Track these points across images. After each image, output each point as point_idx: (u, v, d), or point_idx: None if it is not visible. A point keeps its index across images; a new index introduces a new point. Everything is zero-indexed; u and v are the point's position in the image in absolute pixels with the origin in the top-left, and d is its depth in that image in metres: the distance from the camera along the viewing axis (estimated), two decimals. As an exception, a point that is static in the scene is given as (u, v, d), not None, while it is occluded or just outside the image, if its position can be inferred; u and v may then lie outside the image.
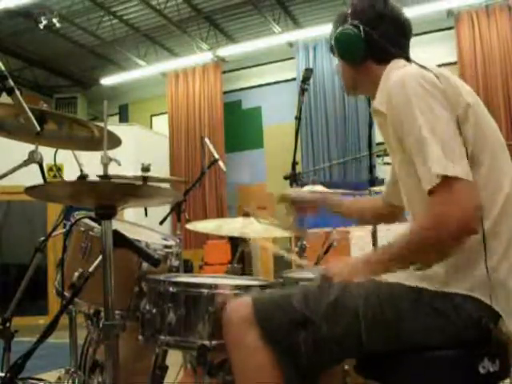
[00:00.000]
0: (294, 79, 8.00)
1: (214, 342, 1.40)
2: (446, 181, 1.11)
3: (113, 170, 1.85)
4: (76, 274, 1.58)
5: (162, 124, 9.10)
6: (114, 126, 6.88)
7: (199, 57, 8.41)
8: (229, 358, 1.30)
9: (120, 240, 1.45)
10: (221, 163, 3.29)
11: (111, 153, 1.87)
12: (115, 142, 1.90)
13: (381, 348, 1.21)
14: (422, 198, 1.18)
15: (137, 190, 1.52)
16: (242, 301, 1.30)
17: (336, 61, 1.53)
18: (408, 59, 1.35)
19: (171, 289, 1.48)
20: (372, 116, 1.41)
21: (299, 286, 1.32)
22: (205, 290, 1.45)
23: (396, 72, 1.28)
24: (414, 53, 1.38)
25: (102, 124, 1.74)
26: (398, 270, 1.25)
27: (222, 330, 1.31)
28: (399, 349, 1.19)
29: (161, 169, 7.99)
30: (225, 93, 8.68)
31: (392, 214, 1.68)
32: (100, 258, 1.44)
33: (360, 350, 1.23)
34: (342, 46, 1.41)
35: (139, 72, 8.66)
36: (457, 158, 1.13)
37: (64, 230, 1.80)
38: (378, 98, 1.35)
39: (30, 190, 1.33)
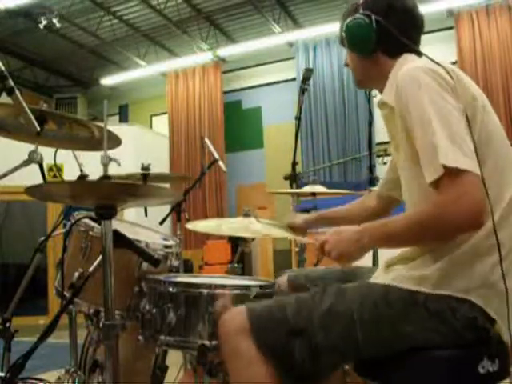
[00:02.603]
0: (294, 79, 8.00)
1: (213, 342, 1.40)
2: (455, 172, 1.08)
3: (113, 170, 1.86)
4: (76, 274, 1.58)
5: (162, 124, 9.10)
6: (114, 126, 6.86)
7: (199, 57, 8.41)
8: (226, 368, 1.29)
9: (120, 240, 1.45)
10: (221, 163, 3.29)
11: (111, 153, 1.88)
12: (115, 141, 1.90)
13: (378, 352, 1.21)
14: (424, 194, 1.17)
15: (137, 189, 1.51)
16: (237, 311, 1.28)
17: (341, 58, 1.52)
18: (419, 54, 1.34)
19: (171, 289, 1.48)
20: (378, 108, 1.39)
21: (293, 295, 1.30)
22: (205, 290, 1.45)
23: (406, 66, 1.27)
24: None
25: (102, 124, 1.74)
26: (390, 248, 1.25)
27: (218, 340, 1.30)
28: (396, 352, 1.19)
29: (161, 169, 7.99)
30: (225, 93, 8.68)
31: (384, 207, 1.69)
32: (100, 258, 1.44)
33: (357, 355, 1.23)
34: (352, 36, 1.38)
35: (139, 72, 8.67)
36: (467, 151, 1.10)
37: (64, 230, 1.80)
38: (387, 91, 1.34)
39: (30, 189, 1.33)
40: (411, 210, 1.35)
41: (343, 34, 1.41)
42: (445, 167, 1.09)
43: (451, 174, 1.09)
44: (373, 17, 1.33)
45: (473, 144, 1.13)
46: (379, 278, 1.32)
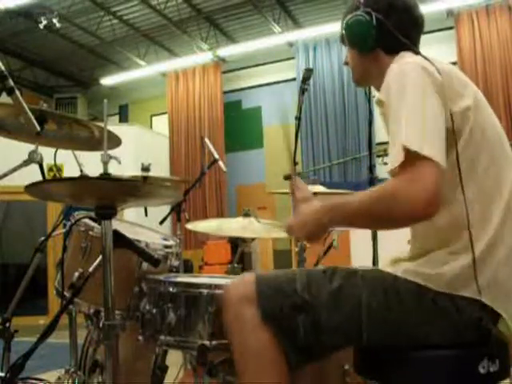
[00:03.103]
0: (294, 79, 8.00)
1: (213, 342, 1.40)
2: (417, 158, 1.07)
3: (113, 170, 1.85)
4: (76, 273, 1.59)
5: (162, 124, 9.10)
6: (114, 126, 6.87)
7: (199, 57, 8.41)
8: (228, 337, 1.28)
9: (120, 240, 1.45)
10: (221, 163, 3.29)
11: (111, 153, 1.88)
12: (115, 141, 1.90)
13: (380, 340, 1.21)
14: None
15: (137, 189, 1.51)
16: (245, 278, 1.29)
17: (341, 58, 1.52)
18: (417, 52, 1.34)
19: (171, 289, 1.48)
20: (375, 106, 1.39)
21: (304, 270, 1.31)
22: (205, 290, 1.46)
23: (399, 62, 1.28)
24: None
25: (102, 124, 1.74)
26: (347, 227, 1.26)
27: (222, 307, 1.30)
28: (398, 343, 1.19)
29: (161, 169, 8.00)
30: (225, 93, 8.68)
31: None
32: (100, 257, 1.44)
33: (358, 340, 1.22)
34: (353, 33, 1.39)
35: (139, 72, 8.67)
36: (435, 143, 1.09)
37: (64, 230, 1.80)
38: (383, 88, 1.34)
39: (30, 187, 1.33)
40: None
41: (344, 31, 1.42)
42: (407, 151, 1.08)
43: (412, 158, 1.07)
44: (373, 14, 1.34)
45: (454, 148, 1.14)
46: (387, 269, 1.31)
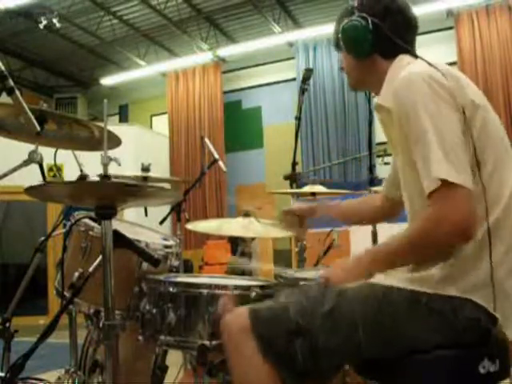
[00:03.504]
0: (294, 79, 8.00)
1: (213, 342, 1.40)
2: (447, 185, 1.12)
3: (113, 170, 1.85)
4: (76, 273, 1.58)
5: (162, 124, 9.10)
6: (114, 126, 6.88)
7: (199, 57, 8.41)
8: (229, 367, 1.29)
9: (120, 240, 1.45)
10: (221, 163, 3.29)
11: (111, 153, 1.87)
12: (115, 142, 1.90)
13: (380, 353, 1.21)
14: (423, 199, 1.18)
15: (137, 189, 1.51)
16: (239, 312, 1.28)
17: (337, 58, 1.52)
18: (414, 55, 1.34)
19: (171, 289, 1.48)
20: (375, 112, 1.39)
21: (296, 295, 1.30)
22: (205, 290, 1.45)
23: (403, 70, 1.28)
24: (414, 53, 1.37)
25: (102, 124, 1.74)
26: (391, 270, 1.25)
27: (222, 340, 1.30)
28: (398, 353, 1.19)
29: (161, 169, 8.00)
30: (225, 93, 8.68)
31: (392, 209, 1.66)
32: (100, 257, 1.44)
33: (359, 357, 1.22)
34: (348, 38, 1.38)
35: (139, 72, 8.67)
36: (460, 165, 1.13)
37: (64, 230, 1.80)
38: (383, 94, 1.34)
39: (30, 190, 1.33)
40: (411, 209, 1.35)
41: (339, 36, 1.41)
42: (437, 180, 1.12)
43: (443, 186, 1.12)
44: (369, 19, 1.34)
45: (470, 152, 1.16)
46: (379, 280, 1.31)
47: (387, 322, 1.19)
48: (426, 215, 1.17)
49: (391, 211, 1.68)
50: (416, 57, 1.34)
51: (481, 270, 1.16)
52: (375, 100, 1.41)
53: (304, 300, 1.26)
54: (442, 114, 1.16)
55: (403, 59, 1.34)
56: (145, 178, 2.66)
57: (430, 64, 1.24)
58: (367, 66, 1.40)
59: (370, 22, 1.33)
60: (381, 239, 2.84)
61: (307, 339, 1.20)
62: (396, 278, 1.24)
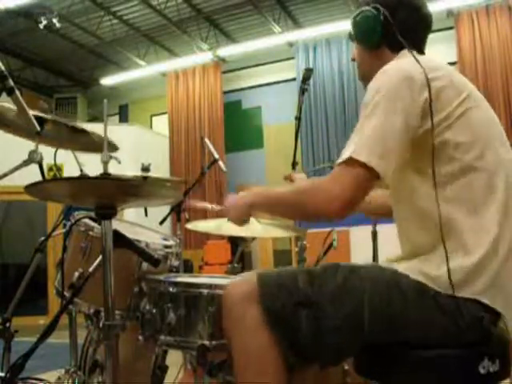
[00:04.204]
0: (294, 79, 8.00)
1: (213, 342, 1.40)
2: (350, 162, 1.16)
3: (113, 170, 1.85)
4: (76, 273, 1.58)
5: (162, 124, 9.10)
6: (114, 126, 6.90)
7: (199, 57, 8.41)
8: (227, 337, 1.28)
9: (120, 240, 1.45)
10: (221, 163, 3.29)
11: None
12: (111, 147, 1.89)
13: (380, 336, 1.20)
14: (407, 197, 1.19)
15: (137, 189, 1.51)
16: (247, 277, 1.28)
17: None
18: (421, 51, 1.35)
19: (171, 289, 1.48)
20: None
21: (306, 267, 1.32)
22: (205, 290, 1.45)
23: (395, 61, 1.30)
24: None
25: (102, 124, 1.74)
26: (268, 214, 1.37)
27: (222, 307, 1.29)
28: (399, 340, 1.19)
29: (161, 169, 8.00)
30: (225, 93, 8.68)
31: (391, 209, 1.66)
32: (100, 258, 1.44)
33: (361, 338, 1.21)
34: (359, 28, 1.40)
35: (139, 72, 8.67)
36: (377, 151, 1.16)
37: (64, 230, 1.80)
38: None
39: (29, 187, 1.32)
40: (395, 205, 1.36)
41: (352, 26, 1.42)
42: (349, 158, 1.16)
43: (348, 162, 1.16)
44: (381, 10, 1.34)
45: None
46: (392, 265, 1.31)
47: (393, 306, 1.18)
48: (318, 181, 1.26)
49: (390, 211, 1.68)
50: (421, 52, 1.34)
51: (490, 272, 1.16)
52: None
53: (314, 270, 1.26)
54: (394, 115, 1.18)
55: (405, 53, 1.34)
56: (145, 178, 2.65)
57: (417, 61, 1.24)
58: (375, 58, 1.41)
59: (381, 12, 1.34)
60: (381, 239, 2.84)
61: (313, 311, 1.20)
62: (405, 266, 1.23)
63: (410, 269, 1.22)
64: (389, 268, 1.25)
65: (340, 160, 1.18)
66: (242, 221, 1.42)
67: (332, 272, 1.24)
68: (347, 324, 1.20)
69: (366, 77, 1.50)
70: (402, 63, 1.27)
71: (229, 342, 1.27)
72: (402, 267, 1.23)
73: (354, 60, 1.51)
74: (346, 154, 1.18)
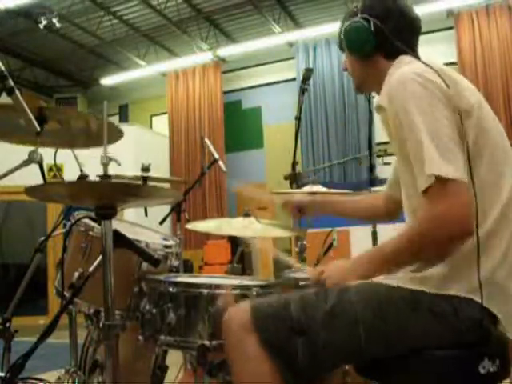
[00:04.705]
0: (294, 79, 8.00)
1: (213, 342, 1.40)
2: (441, 182, 1.11)
3: (113, 170, 1.85)
4: (76, 273, 1.58)
5: (162, 124, 9.11)
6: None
7: (199, 57, 8.42)
8: (229, 362, 1.29)
9: (120, 240, 1.45)
10: (221, 163, 3.29)
11: (111, 152, 1.87)
12: (116, 135, 1.86)
13: (380, 353, 1.21)
14: (420, 195, 1.17)
15: (137, 189, 1.51)
16: (241, 307, 1.29)
17: (341, 58, 1.53)
18: (416, 56, 1.35)
19: (171, 289, 1.48)
20: (376, 112, 1.39)
21: (297, 292, 1.30)
22: (205, 290, 1.45)
23: (399, 69, 1.29)
24: (414, 53, 1.37)
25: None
26: (390, 272, 1.25)
27: (222, 336, 1.30)
28: (398, 353, 1.19)
29: (161, 169, 8.00)
30: (225, 93, 8.69)
31: (395, 209, 1.65)
32: (100, 257, 1.44)
33: (359, 356, 1.22)
34: (351, 39, 1.40)
35: (139, 72, 8.67)
36: (454, 160, 1.13)
37: (64, 230, 1.80)
38: (381, 95, 1.34)
39: (30, 190, 1.33)
40: (408, 205, 1.35)
41: (342, 37, 1.43)
42: (430, 176, 1.12)
43: (438, 183, 1.11)
44: (371, 20, 1.35)
45: (464, 149, 1.15)
46: (380, 281, 1.31)
47: (388, 322, 1.18)
48: (424, 214, 1.16)
49: (392, 212, 1.68)
50: (417, 57, 1.34)
51: (482, 270, 1.15)
52: (375, 100, 1.41)
53: (306, 296, 1.27)
54: (435, 112, 1.16)
55: (404, 59, 1.35)
56: (145, 178, 2.65)
57: (425, 64, 1.25)
58: (370, 67, 1.42)
59: (372, 23, 1.35)
60: (381, 239, 2.84)
61: (308, 337, 1.20)
62: (396, 278, 1.24)
63: (402, 279, 1.23)
64: (379, 283, 1.25)
65: (426, 185, 1.13)
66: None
67: (323, 297, 1.24)
68: (344, 345, 1.20)
69: (362, 86, 1.51)
70: (414, 69, 1.26)
71: (230, 367, 1.28)
72: (393, 279, 1.24)
73: (345, 70, 1.52)
74: (425, 175, 1.13)
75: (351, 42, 1.41)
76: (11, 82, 1.41)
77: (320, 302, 1.23)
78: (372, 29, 1.35)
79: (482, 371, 1.14)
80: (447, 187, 1.11)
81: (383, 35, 1.34)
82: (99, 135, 1.76)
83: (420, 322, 1.17)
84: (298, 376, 1.22)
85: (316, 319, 1.21)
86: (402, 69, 1.28)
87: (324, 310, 1.21)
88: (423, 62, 1.27)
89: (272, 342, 1.21)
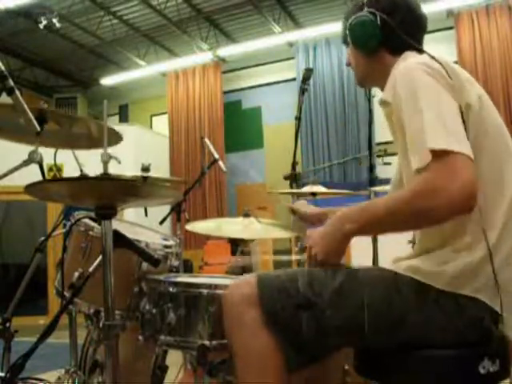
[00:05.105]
0: (294, 79, 7.99)
1: (214, 342, 1.40)
2: (446, 154, 1.05)
3: (113, 170, 1.85)
4: (76, 273, 1.58)
5: (162, 124, 9.10)
6: (114, 126, 6.88)
7: (199, 57, 8.41)
8: (228, 338, 1.27)
9: (120, 240, 1.45)
10: (221, 163, 3.29)
11: (111, 151, 1.87)
12: (116, 138, 1.88)
13: (381, 338, 1.20)
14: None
15: (137, 189, 1.51)
16: (246, 279, 1.27)
17: (341, 58, 1.52)
18: (421, 51, 1.34)
19: (171, 289, 1.48)
20: (380, 106, 1.38)
21: (305, 269, 1.30)
22: (205, 290, 1.46)
23: (404, 61, 1.28)
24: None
25: (101, 123, 1.73)
26: (375, 234, 1.24)
27: (223, 308, 1.28)
28: (400, 342, 1.19)
29: (161, 169, 8.00)
30: (225, 93, 8.68)
31: None
32: (100, 257, 1.44)
33: (361, 339, 1.22)
34: (357, 33, 1.38)
35: (139, 72, 8.66)
36: (460, 137, 1.08)
37: (64, 230, 1.80)
38: (387, 89, 1.33)
39: (29, 187, 1.32)
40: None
41: (347, 31, 1.41)
42: (434, 151, 1.07)
43: (441, 156, 1.06)
44: (378, 14, 1.34)
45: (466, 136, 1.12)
46: (390, 266, 1.30)
47: (393, 308, 1.18)
48: (426, 177, 1.08)
49: None
50: (422, 52, 1.34)
51: (488, 271, 1.15)
52: (375, 100, 1.41)
53: (314, 274, 1.25)
54: (441, 98, 1.14)
55: (409, 55, 1.34)
56: (145, 178, 2.66)
57: (432, 57, 1.24)
58: (374, 62, 1.41)
59: (378, 17, 1.33)
60: (381, 239, 2.83)
61: (314, 312, 1.19)
62: (406, 266, 1.23)
63: (410, 268, 1.22)
64: (388, 269, 1.25)
65: (426, 159, 1.07)
66: (337, 253, 1.27)
67: (331, 274, 1.23)
68: (347, 326, 1.20)
69: (365, 80, 1.50)
70: (419, 60, 1.25)
71: (229, 342, 1.27)
72: (403, 267, 1.23)
73: (349, 65, 1.50)
74: (427, 149, 1.07)
75: (357, 36, 1.39)
76: (11, 82, 1.41)
77: (328, 279, 1.22)
78: (378, 22, 1.33)
79: (481, 371, 1.14)
80: (450, 159, 1.05)
81: (390, 29, 1.33)
82: (99, 138, 1.77)
83: (424, 311, 1.17)
84: (301, 352, 1.21)
85: (323, 296, 1.20)
86: (407, 61, 1.27)
87: (332, 287, 1.21)
88: (428, 54, 1.26)
89: (276, 317, 1.20)
